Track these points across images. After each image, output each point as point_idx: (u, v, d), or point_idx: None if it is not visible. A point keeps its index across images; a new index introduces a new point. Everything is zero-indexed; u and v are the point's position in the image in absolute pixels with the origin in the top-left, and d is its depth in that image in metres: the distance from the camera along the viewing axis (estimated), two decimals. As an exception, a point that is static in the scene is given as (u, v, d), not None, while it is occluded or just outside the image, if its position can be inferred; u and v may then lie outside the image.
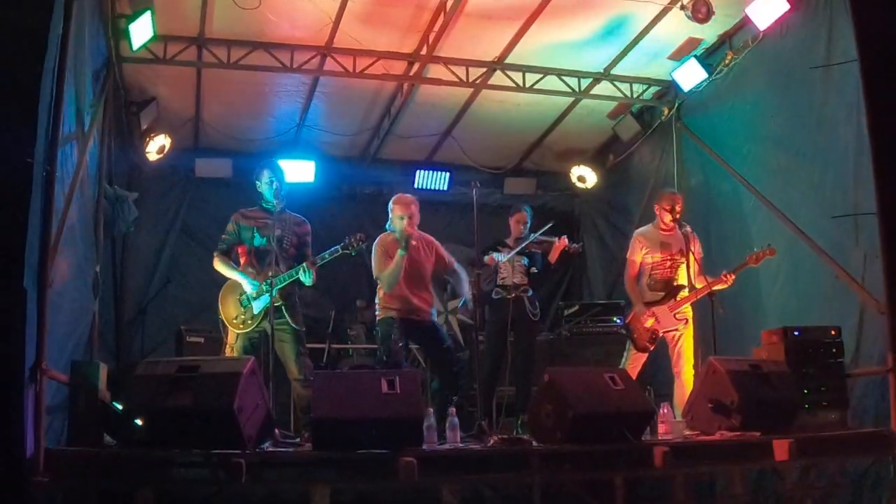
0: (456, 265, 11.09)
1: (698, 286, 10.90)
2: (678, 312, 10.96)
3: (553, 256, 11.51)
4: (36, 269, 7.23)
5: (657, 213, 11.32)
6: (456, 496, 8.06)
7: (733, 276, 10.65)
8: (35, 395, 7.04)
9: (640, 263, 11.27)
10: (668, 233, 11.22)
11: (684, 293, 11.01)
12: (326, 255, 9.72)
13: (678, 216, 11.11)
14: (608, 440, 8.03)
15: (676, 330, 11.01)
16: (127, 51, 11.53)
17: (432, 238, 11.11)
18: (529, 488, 7.90)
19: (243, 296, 9.74)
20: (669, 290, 11.08)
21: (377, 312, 10.76)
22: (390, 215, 10.82)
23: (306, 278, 9.65)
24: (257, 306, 9.64)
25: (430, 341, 10.98)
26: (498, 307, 11.59)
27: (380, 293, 10.76)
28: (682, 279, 11.13)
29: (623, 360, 11.14)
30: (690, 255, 10.99)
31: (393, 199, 10.99)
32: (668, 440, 8.74)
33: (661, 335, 10.98)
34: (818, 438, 9.02)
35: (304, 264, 9.61)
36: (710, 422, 8.94)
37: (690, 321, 11.06)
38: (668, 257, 11.16)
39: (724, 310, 10.56)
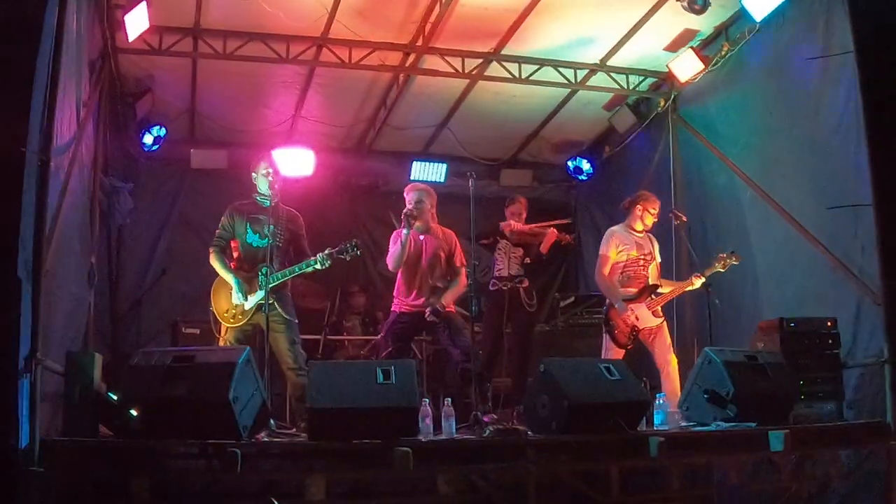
0: (462, 271, 10.86)
1: (664, 290, 11.10)
2: (655, 310, 11.04)
3: (545, 247, 11.54)
4: (30, 259, 7.22)
5: (639, 213, 11.35)
6: (451, 486, 8.06)
7: (702, 278, 10.79)
8: (30, 386, 7.03)
9: (614, 262, 11.32)
10: (640, 234, 11.37)
11: (656, 294, 11.14)
12: (322, 256, 9.70)
13: (673, 210, 11.24)
14: (603, 430, 8.04)
15: (654, 327, 11.09)
16: (122, 41, 11.50)
17: (452, 234, 10.94)
18: (525, 479, 7.90)
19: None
20: (643, 288, 11.18)
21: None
22: None
23: (321, 264, 9.65)
24: (249, 302, 9.64)
25: (439, 328, 10.71)
26: (495, 298, 11.63)
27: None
28: (653, 279, 11.26)
29: (601, 356, 11.15)
30: (655, 254, 11.20)
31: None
32: (663, 430, 8.76)
33: (640, 331, 11.02)
34: (814, 430, 9.06)
35: (320, 255, 9.63)
36: (706, 412, 8.95)
37: (663, 317, 11.15)
38: (642, 256, 11.30)
39: (719, 302, 10.60)
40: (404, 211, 10.38)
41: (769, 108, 11.89)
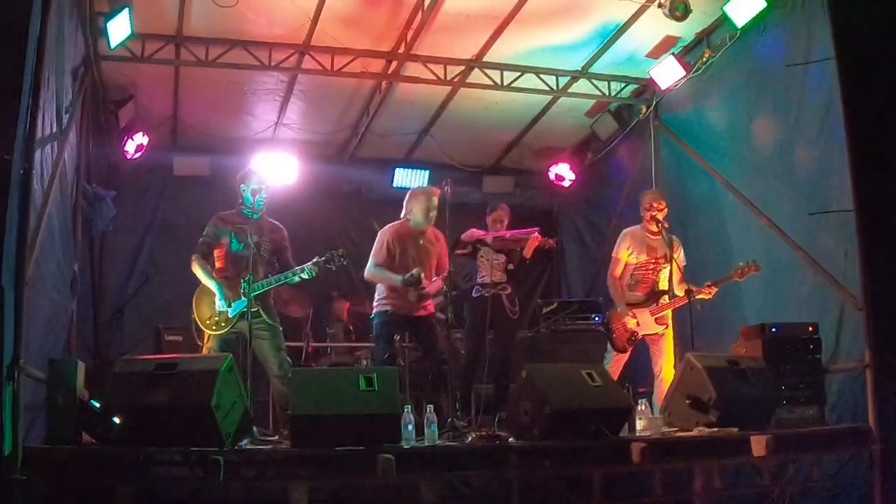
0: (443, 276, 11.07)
1: (680, 294, 10.93)
2: (659, 317, 10.98)
3: (528, 252, 11.54)
4: (13, 268, 7.21)
5: (643, 213, 11.32)
6: (434, 493, 8.07)
7: (716, 288, 10.68)
8: (13, 393, 7.02)
9: (625, 263, 11.28)
10: (655, 236, 11.22)
11: (665, 299, 11.03)
12: (309, 266, 9.74)
13: (664, 219, 11.17)
14: (586, 436, 8.05)
15: (657, 334, 11.04)
16: (105, 49, 11.49)
17: (441, 235, 11.09)
18: (508, 485, 7.92)
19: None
20: (651, 294, 11.14)
21: (374, 303, 10.90)
22: (409, 206, 10.95)
23: (307, 274, 9.69)
24: (233, 309, 9.64)
25: (421, 333, 11.02)
26: (477, 305, 11.62)
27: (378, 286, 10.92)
28: (663, 284, 11.16)
29: (605, 361, 11.11)
30: (674, 261, 11.03)
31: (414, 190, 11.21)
32: (645, 436, 8.77)
33: (640, 338, 11.01)
34: (796, 434, 9.07)
35: (307, 265, 9.67)
36: (688, 418, 8.98)
37: (670, 324, 11.09)
38: (653, 260, 11.20)
39: (701, 307, 10.60)
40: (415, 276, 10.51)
41: (750, 115, 11.93)
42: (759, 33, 11.64)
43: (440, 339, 10.98)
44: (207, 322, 9.75)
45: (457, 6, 11.72)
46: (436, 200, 10.83)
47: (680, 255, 11.24)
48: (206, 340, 9.84)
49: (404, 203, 11.00)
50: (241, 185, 10.04)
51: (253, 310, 9.40)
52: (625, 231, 11.61)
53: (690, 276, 10.83)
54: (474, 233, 11.83)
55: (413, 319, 10.82)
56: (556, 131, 16.04)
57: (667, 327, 11.11)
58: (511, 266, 11.75)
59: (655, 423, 9.20)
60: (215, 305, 9.72)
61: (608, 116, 15.00)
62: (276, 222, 10.27)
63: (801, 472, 9.44)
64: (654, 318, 11.03)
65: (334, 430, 7.50)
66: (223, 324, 9.67)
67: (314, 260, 9.72)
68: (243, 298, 9.49)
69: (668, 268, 11.14)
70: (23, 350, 7.18)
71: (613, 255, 11.45)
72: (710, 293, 10.68)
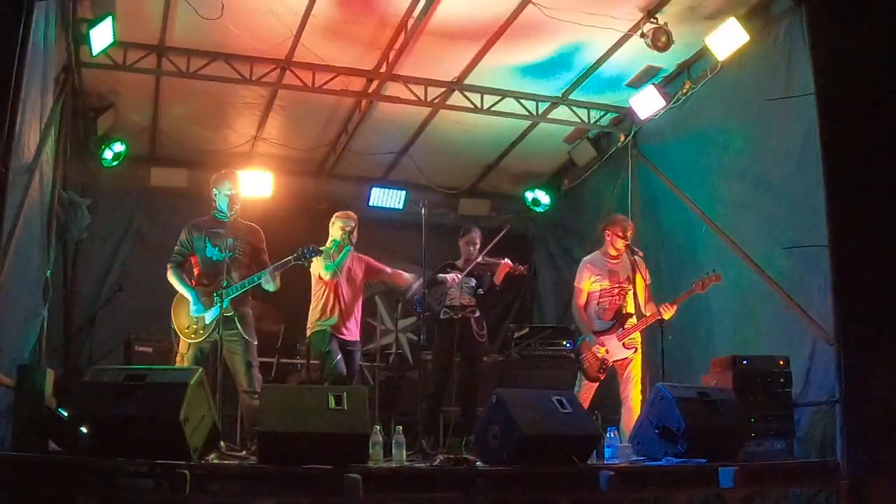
0: (390, 270, 11.57)
1: (647, 314, 10.94)
2: (627, 341, 10.98)
3: (498, 278, 11.58)
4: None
5: (608, 238, 11.29)
6: (400, 514, 8.04)
7: (676, 305, 10.69)
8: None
9: (588, 292, 11.28)
10: (615, 260, 11.25)
11: (632, 321, 11.03)
12: (279, 266, 9.74)
13: (629, 242, 11.15)
14: (554, 463, 8.03)
15: (626, 358, 11.02)
16: (87, 56, 11.46)
17: (360, 255, 11.42)
18: (475, 508, 7.89)
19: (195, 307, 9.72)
20: (618, 318, 11.07)
21: (310, 325, 11.06)
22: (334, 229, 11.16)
23: (270, 286, 9.71)
24: (209, 316, 9.61)
25: (348, 361, 11.05)
26: (445, 327, 11.64)
27: (316, 305, 11.06)
28: (630, 307, 11.15)
29: (576, 389, 11.08)
30: (639, 281, 11.04)
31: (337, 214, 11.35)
32: (614, 464, 8.76)
33: (611, 364, 10.99)
34: (764, 467, 9.06)
35: (266, 270, 9.67)
36: (657, 447, 8.96)
37: (639, 348, 11.09)
38: (617, 284, 11.18)
39: (672, 337, 10.60)
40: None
41: (728, 147, 11.96)
42: (740, 67, 11.66)
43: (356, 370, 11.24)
44: (186, 330, 9.72)
45: (440, 28, 11.74)
46: (352, 223, 11.08)
47: (645, 275, 11.24)
48: (184, 349, 9.80)
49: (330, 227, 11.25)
50: (214, 190, 10.02)
51: (228, 314, 9.39)
52: (584, 260, 11.61)
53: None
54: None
55: (343, 343, 10.95)
56: (534, 156, 16.09)
57: (636, 351, 11.06)
58: (480, 291, 11.78)
59: (624, 451, 9.20)
60: (190, 311, 9.70)
61: (586, 143, 15.06)
62: (253, 224, 10.27)
63: (767, 504, 9.45)
64: (621, 342, 10.98)
65: (302, 447, 7.45)
66: (201, 331, 9.64)
67: (280, 261, 9.79)
68: (219, 306, 9.47)
69: (633, 290, 11.14)
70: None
71: (576, 285, 11.44)
72: (671, 310, 10.69)
